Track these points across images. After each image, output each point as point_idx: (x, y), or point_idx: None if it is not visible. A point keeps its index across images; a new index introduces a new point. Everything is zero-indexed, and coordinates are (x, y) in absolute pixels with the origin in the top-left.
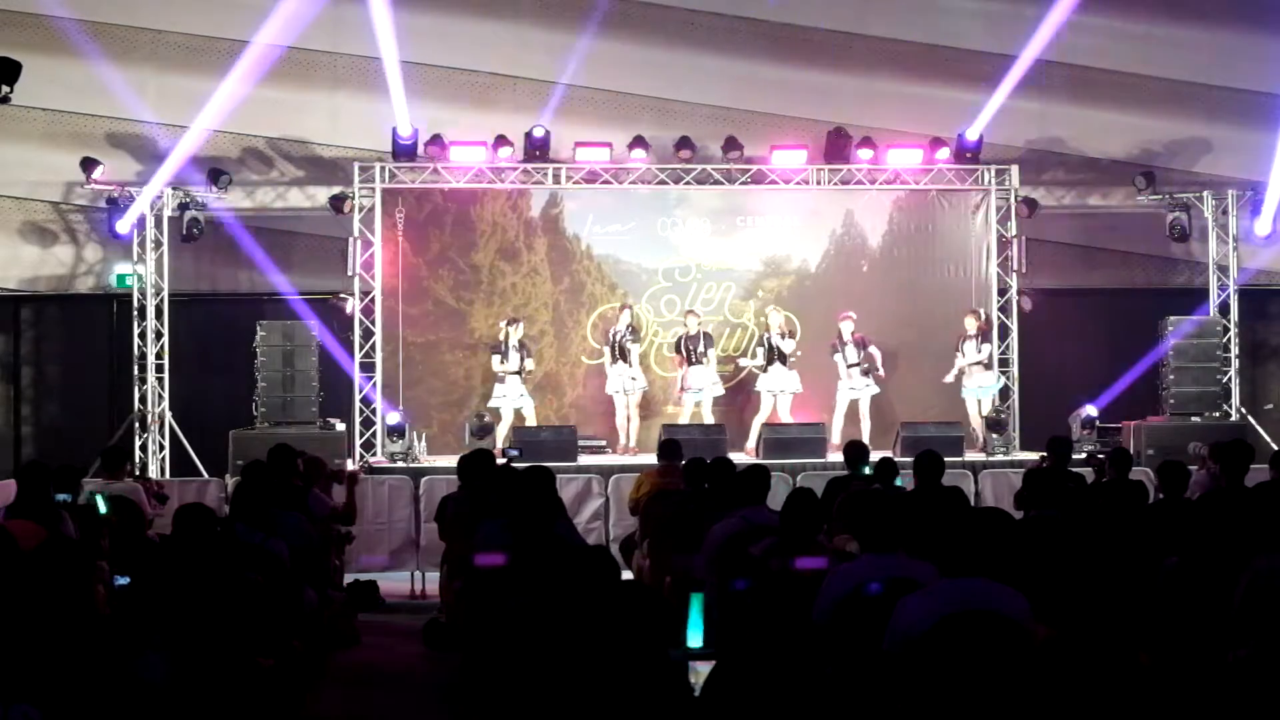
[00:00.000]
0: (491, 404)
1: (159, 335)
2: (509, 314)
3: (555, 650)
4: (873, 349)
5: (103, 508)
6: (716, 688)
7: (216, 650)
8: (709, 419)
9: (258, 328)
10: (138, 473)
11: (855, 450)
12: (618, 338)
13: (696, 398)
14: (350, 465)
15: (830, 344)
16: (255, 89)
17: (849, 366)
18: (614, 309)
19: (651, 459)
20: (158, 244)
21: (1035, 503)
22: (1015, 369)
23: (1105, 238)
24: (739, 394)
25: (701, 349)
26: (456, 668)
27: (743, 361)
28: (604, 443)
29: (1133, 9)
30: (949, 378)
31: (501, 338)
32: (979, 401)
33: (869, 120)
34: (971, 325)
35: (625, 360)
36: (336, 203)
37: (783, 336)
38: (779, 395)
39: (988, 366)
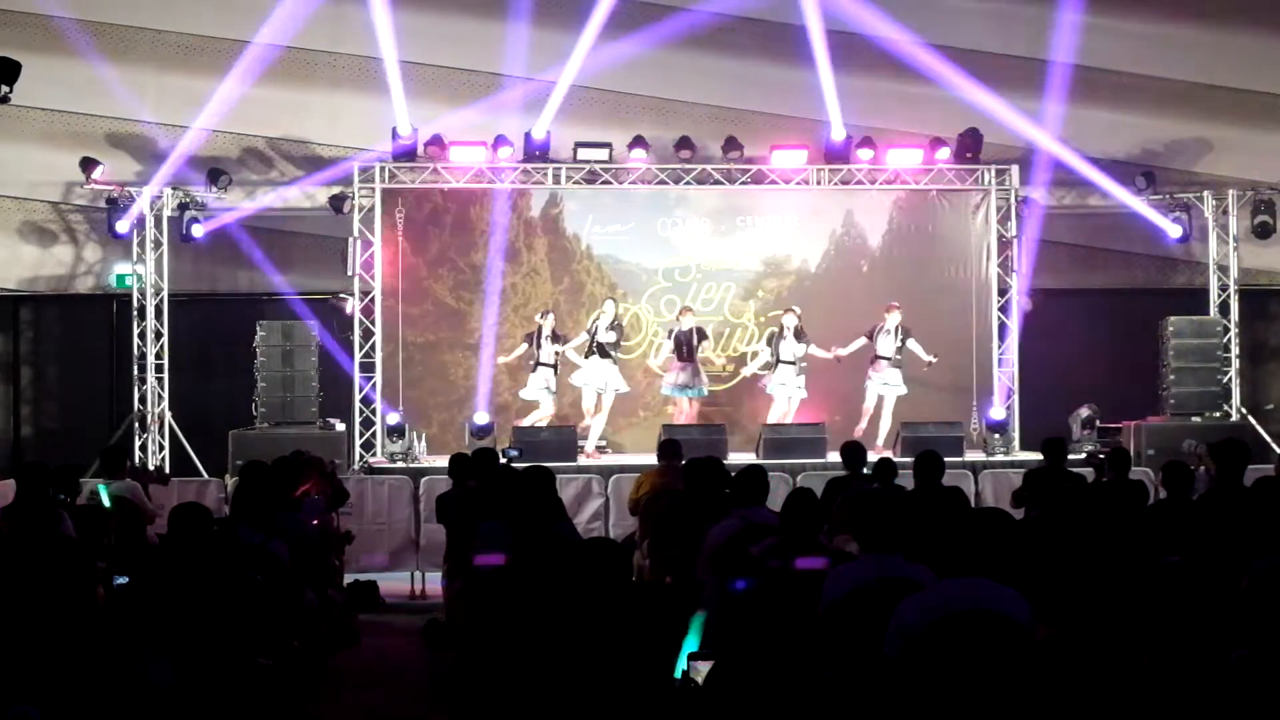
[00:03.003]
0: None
1: (159, 335)
2: (543, 307)
3: (557, 648)
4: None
5: (106, 501)
6: (717, 688)
7: (216, 650)
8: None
9: (258, 328)
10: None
11: (852, 451)
12: (595, 334)
13: (693, 394)
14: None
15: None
16: (255, 89)
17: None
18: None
19: (632, 460)
20: (157, 244)
21: (1035, 503)
22: (1015, 369)
23: (1105, 238)
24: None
25: (695, 344)
26: (456, 668)
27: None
28: (604, 442)
29: (1133, 9)
30: (846, 350)
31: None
32: (880, 398)
33: (869, 120)
34: (894, 320)
35: (605, 356)
36: (336, 203)
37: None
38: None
39: (897, 365)
